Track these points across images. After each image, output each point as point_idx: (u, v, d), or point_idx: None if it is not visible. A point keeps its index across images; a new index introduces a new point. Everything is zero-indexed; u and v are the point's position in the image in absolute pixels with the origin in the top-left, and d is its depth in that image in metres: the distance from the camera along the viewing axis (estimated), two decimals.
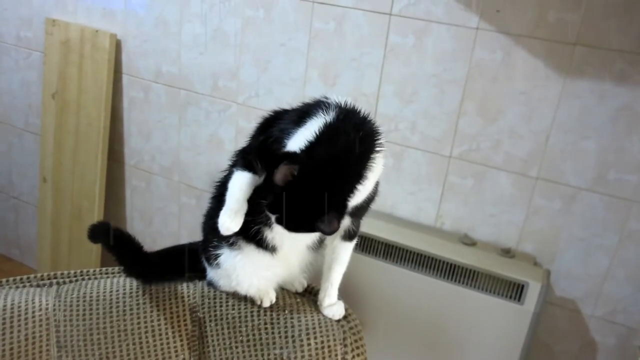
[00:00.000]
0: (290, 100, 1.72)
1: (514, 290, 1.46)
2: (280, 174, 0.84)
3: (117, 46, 1.99)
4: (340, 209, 0.86)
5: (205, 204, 2.00)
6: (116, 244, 1.08)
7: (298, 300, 1.06)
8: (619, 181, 1.43)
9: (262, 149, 0.96)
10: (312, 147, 0.86)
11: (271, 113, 1.01)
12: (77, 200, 2.16)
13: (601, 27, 1.34)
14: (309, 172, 0.84)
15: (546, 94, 1.44)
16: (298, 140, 0.88)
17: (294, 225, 0.89)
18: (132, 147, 2.13)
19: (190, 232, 2.10)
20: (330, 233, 0.87)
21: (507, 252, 1.56)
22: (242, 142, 1.85)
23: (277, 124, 0.95)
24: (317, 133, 0.86)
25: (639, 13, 1.29)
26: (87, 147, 2.09)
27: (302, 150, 0.86)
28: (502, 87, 1.48)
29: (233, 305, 1.03)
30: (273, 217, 0.90)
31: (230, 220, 0.94)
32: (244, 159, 0.97)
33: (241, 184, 0.95)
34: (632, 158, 1.40)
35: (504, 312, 1.48)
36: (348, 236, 1.02)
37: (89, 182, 2.11)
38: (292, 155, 0.86)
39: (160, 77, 1.96)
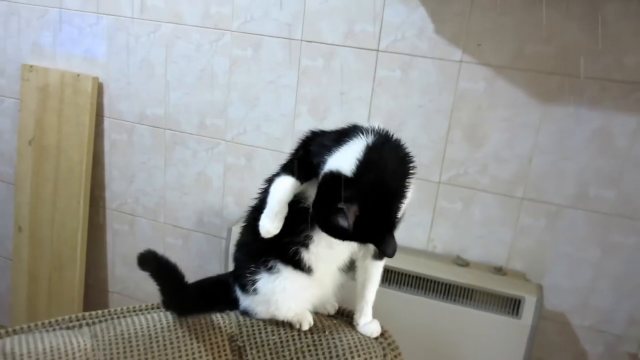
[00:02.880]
0: (279, 136, 1.79)
1: (511, 306, 1.53)
2: (351, 219, 0.87)
3: (99, 89, 2.00)
4: (394, 229, 0.91)
5: (192, 244, 2.03)
6: (162, 272, 1.08)
7: (334, 321, 1.09)
8: (598, 197, 1.54)
9: (302, 161, 0.99)
10: (361, 170, 0.89)
11: (309, 133, 1.04)
12: (57, 249, 2.10)
13: (573, 57, 1.46)
14: (368, 201, 0.88)
15: (527, 120, 1.55)
16: (338, 158, 0.92)
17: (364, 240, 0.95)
18: (114, 191, 2.10)
19: None
20: (392, 254, 0.91)
21: (499, 270, 1.63)
22: (232, 179, 1.90)
23: (317, 142, 0.99)
24: (362, 155, 0.90)
25: (607, 45, 1.43)
26: (67, 193, 2.05)
27: (353, 175, 0.89)
28: (486, 115, 1.58)
29: (272, 331, 1.04)
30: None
31: (270, 222, 0.96)
32: (287, 167, 1.00)
33: (283, 186, 0.97)
34: (607, 175, 1.52)
35: (503, 327, 1.54)
36: (379, 255, 1.06)
37: (70, 229, 2.06)
38: (346, 185, 0.88)
39: (144, 119, 1.97)
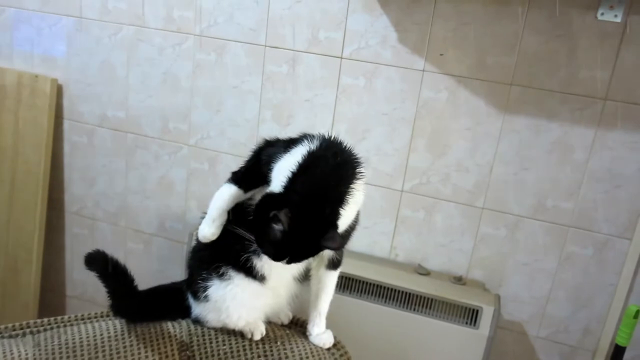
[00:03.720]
0: (243, 141, 1.78)
1: (469, 316, 1.54)
2: (285, 223, 0.88)
3: (58, 91, 1.95)
4: (335, 226, 0.91)
5: (154, 248, 1.99)
6: (110, 274, 1.06)
7: (287, 331, 1.07)
8: (556, 208, 1.56)
9: (251, 170, 1.02)
10: (295, 178, 0.90)
11: (264, 142, 1.05)
12: (12, 252, 2.04)
13: (533, 70, 1.48)
14: (300, 205, 0.89)
15: (488, 130, 1.56)
16: (283, 164, 0.93)
17: (302, 255, 0.93)
18: (74, 194, 2.06)
19: (138, 278, 2.02)
20: (338, 247, 0.91)
21: (458, 280, 1.64)
22: (195, 183, 1.88)
23: (267, 151, 1.00)
24: (300, 161, 0.91)
25: (564, 59, 1.45)
26: (24, 196, 2.00)
27: (284, 187, 0.90)
28: (449, 124, 1.59)
29: (223, 340, 1.02)
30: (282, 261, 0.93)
31: (208, 228, 1.00)
32: (233, 175, 1.02)
33: (225, 194, 1.00)
34: (566, 187, 1.54)
35: (461, 337, 1.55)
36: (333, 265, 1.05)
37: (26, 232, 2.01)
38: (276, 199, 0.90)
39: (105, 121, 1.93)
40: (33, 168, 1.97)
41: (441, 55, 1.54)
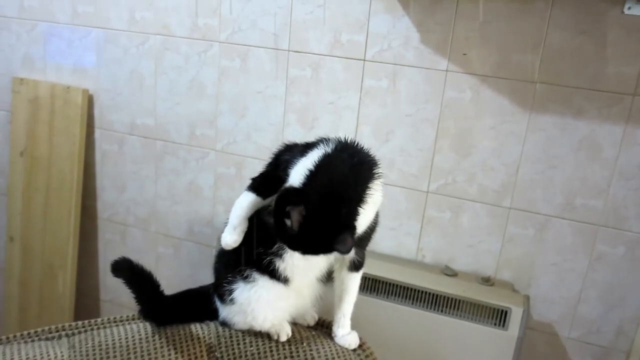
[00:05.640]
0: (269, 145, 1.80)
1: (498, 317, 1.52)
2: (295, 221, 0.89)
3: (89, 101, 2.01)
4: (351, 229, 0.91)
5: (184, 253, 2.03)
6: (136, 280, 1.09)
7: (313, 333, 1.09)
8: (585, 207, 1.54)
9: (269, 176, 1.03)
10: (311, 177, 0.92)
11: (283, 146, 1.07)
12: (48, 258, 2.10)
13: (558, 67, 1.46)
14: (315, 204, 0.90)
15: (513, 129, 1.55)
16: (299, 168, 0.94)
17: (314, 250, 0.94)
18: (105, 201, 2.11)
19: (168, 282, 2.05)
20: (347, 252, 0.91)
21: (486, 281, 1.62)
22: (222, 188, 1.91)
23: (286, 155, 1.02)
24: (316, 162, 0.93)
25: (590, 55, 1.43)
26: (58, 203, 2.06)
27: (302, 184, 0.92)
28: (473, 124, 1.58)
29: (250, 342, 1.04)
30: (295, 252, 0.96)
31: (230, 236, 1.02)
32: (252, 182, 1.04)
33: (244, 202, 1.02)
34: (594, 185, 1.52)
35: (490, 338, 1.53)
36: (354, 267, 1.06)
37: (61, 238, 2.07)
38: (293, 194, 0.91)
39: (135, 129, 1.98)
40: (66, 177, 2.03)
41: (464, 54, 1.54)
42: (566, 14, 1.42)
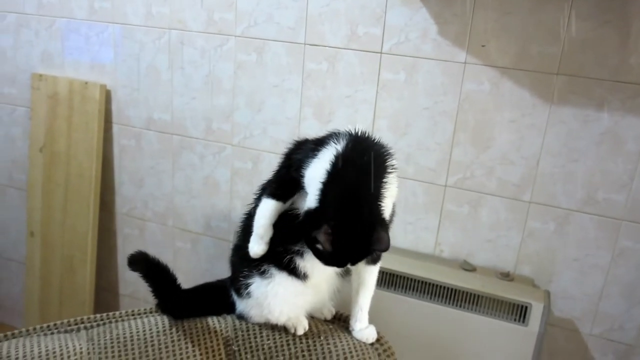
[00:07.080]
0: (285, 139, 1.79)
1: (518, 313, 1.50)
2: (325, 242, 0.90)
3: (107, 96, 2.02)
4: (381, 225, 0.91)
5: (201, 247, 2.04)
6: (152, 273, 1.09)
7: (330, 327, 1.08)
8: (607, 201, 1.51)
9: (284, 179, 1.02)
10: (325, 191, 0.91)
11: (293, 144, 1.06)
12: (67, 253, 2.12)
13: (580, 58, 1.43)
14: (337, 218, 0.90)
15: (534, 121, 1.52)
16: (312, 172, 0.94)
17: (357, 258, 0.95)
18: (124, 195, 2.12)
19: (186, 276, 2.06)
20: (386, 248, 0.91)
21: (506, 276, 1.60)
22: (239, 183, 1.91)
23: (297, 154, 1.01)
24: (328, 170, 0.91)
25: (613, 46, 1.39)
26: (77, 198, 2.08)
27: (318, 202, 0.91)
28: (492, 117, 1.55)
29: (267, 335, 1.04)
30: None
31: (257, 246, 1.01)
32: (270, 188, 1.03)
33: (266, 211, 1.01)
34: (617, 178, 1.48)
35: (510, 334, 1.51)
36: (372, 260, 1.05)
37: (80, 233, 2.09)
38: (313, 218, 0.91)
39: (152, 124, 1.99)
40: (85, 172, 2.05)
41: (483, 46, 1.51)
42: (589, 3, 1.39)
